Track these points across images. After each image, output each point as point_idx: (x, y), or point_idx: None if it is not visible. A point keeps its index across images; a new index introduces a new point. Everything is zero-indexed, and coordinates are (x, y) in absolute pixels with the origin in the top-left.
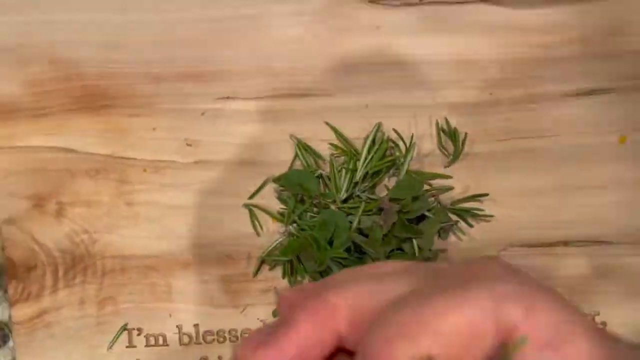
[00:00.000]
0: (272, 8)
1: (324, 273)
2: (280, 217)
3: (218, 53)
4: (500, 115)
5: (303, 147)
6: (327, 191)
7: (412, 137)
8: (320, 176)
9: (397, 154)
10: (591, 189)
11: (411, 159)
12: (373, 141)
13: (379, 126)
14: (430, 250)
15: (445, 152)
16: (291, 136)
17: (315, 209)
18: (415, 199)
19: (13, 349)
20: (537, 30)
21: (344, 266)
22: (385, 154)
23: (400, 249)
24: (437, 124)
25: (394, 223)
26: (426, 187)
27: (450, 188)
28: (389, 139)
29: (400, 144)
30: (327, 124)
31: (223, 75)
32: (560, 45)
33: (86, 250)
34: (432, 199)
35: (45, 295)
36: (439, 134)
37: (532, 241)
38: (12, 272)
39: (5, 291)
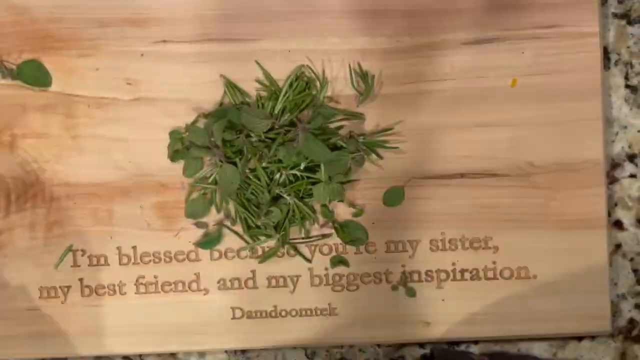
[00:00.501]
0: None
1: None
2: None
3: (156, 1)
4: (406, 60)
5: (231, 86)
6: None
7: (323, 73)
8: (245, 111)
9: (314, 92)
10: (485, 127)
11: (324, 95)
12: (294, 79)
13: (300, 68)
14: (344, 176)
15: (358, 92)
16: (221, 76)
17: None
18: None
19: None
20: None
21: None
22: (304, 91)
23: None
24: (350, 67)
25: (308, 147)
26: (342, 123)
27: (361, 116)
28: (308, 79)
29: (317, 83)
30: (256, 62)
31: (160, 21)
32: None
33: (36, 178)
34: (347, 134)
35: None
36: (351, 76)
37: (433, 173)
38: None
39: None
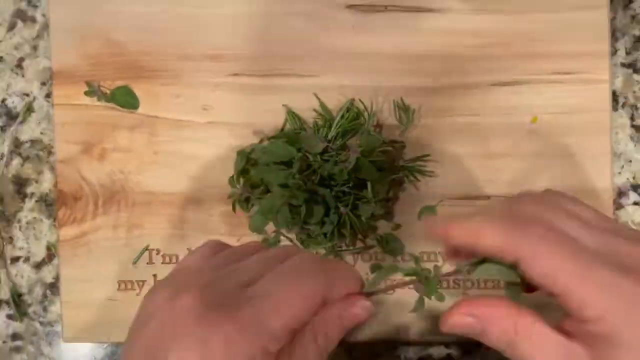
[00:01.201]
0: (275, 9)
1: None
2: None
3: (231, 40)
4: (442, 97)
5: (292, 114)
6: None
7: (371, 106)
8: (303, 137)
9: (363, 121)
10: (508, 156)
11: (373, 123)
12: (346, 110)
13: (351, 101)
14: (387, 194)
15: (400, 123)
16: (284, 105)
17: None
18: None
19: (57, 266)
20: (471, 34)
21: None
22: (354, 120)
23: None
24: (394, 101)
25: (357, 167)
26: (386, 148)
27: (402, 143)
28: (357, 110)
29: (366, 114)
30: (314, 94)
31: (234, 57)
32: (487, 46)
33: (121, 187)
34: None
35: (87, 220)
36: (395, 109)
37: (463, 194)
38: (63, 201)
39: (54, 219)
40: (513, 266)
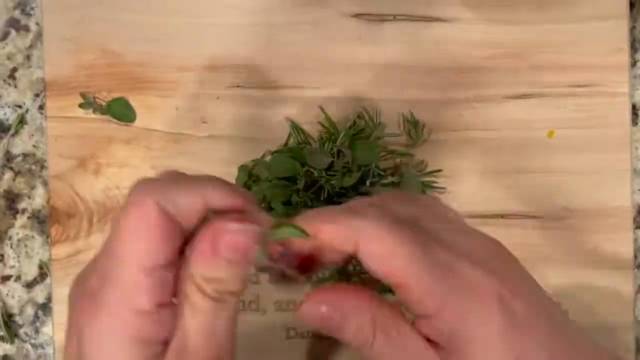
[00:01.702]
0: (278, 19)
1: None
2: None
3: (233, 51)
4: (454, 111)
5: (296, 128)
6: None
7: (378, 118)
8: (308, 151)
9: (370, 134)
10: (524, 173)
11: (377, 136)
12: (352, 123)
13: (358, 114)
14: None
15: (409, 138)
16: (286, 118)
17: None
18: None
19: (49, 286)
20: (484, 45)
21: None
22: (360, 133)
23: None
24: (403, 115)
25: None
26: (397, 162)
27: (411, 155)
28: (365, 123)
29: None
30: (320, 107)
31: (235, 69)
32: (501, 58)
33: (117, 203)
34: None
35: (81, 238)
36: (404, 123)
37: (475, 213)
38: (56, 218)
39: (47, 236)
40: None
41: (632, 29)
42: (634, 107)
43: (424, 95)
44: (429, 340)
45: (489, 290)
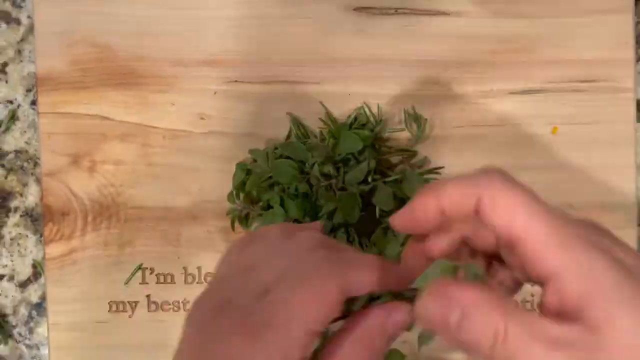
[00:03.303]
0: (276, 12)
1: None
2: None
3: (230, 45)
4: (456, 106)
5: (297, 123)
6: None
7: (380, 114)
8: (309, 146)
9: (371, 130)
10: (528, 169)
11: (378, 131)
12: (355, 118)
13: (361, 108)
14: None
15: (411, 134)
16: (287, 113)
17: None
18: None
19: (43, 286)
20: (488, 39)
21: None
22: (361, 128)
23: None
24: (404, 110)
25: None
26: (399, 158)
27: (414, 151)
28: (367, 119)
29: (375, 124)
30: (321, 103)
31: (233, 63)
32: (504, 52)
33: (112, 201)
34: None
35: (76, 237)
36: (405, 118)
37: None
38: (49, 216)
39: (41, 235)
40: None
41: (638, 23)
42: (638, 102)
43: (426, 91)
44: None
45: (601, 246)
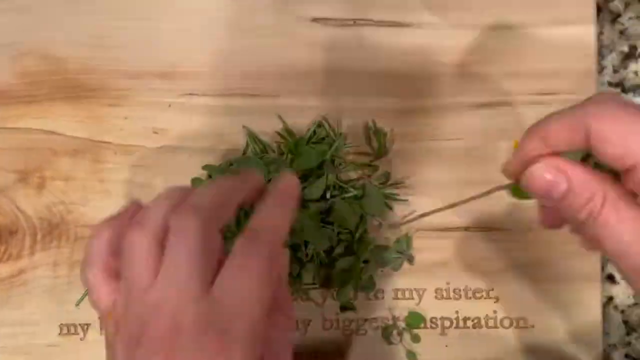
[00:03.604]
0: (233, 23)
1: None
2: None
3: (186, 57)
4: (417, 120)
5: (253, 138)
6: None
7: (338, 124)
8: (267, 161)
9: (330, 145)
10: (488, 184)
11: (339, 146)
12: (313, 132)
13: (319, 122)
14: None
15: (371, 149)
16: (244, 127)
17: None
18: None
19: None
20: (449, 51)
21: None
22: (320, 142)
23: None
24: (367, 124)
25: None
26: (359, 173)
27: (374, 166)
28: (326, 133)
29: (334, 137)
30: (279, 116)
31: (188, 76)
32: (464, 65)
33: (62, 219)
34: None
35: (24, 257)
36: (367, 132)
37: (440, 226)
38: None
39: None
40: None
41: (599, 34)
42: None
43: (387, 104)
44: None
45: None
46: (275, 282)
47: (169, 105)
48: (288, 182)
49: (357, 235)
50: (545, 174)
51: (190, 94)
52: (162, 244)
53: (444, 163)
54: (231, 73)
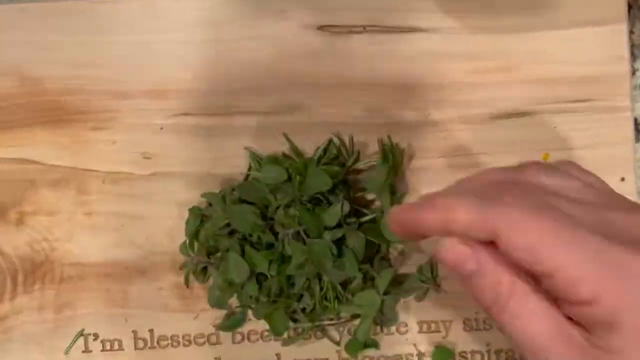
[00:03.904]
0: (230, 34)
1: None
2: None
3: (177, 73)
4: (435, 134)
5: (256, 159)
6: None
7: (352, 145)
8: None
9: (343, 164)
10: None
11: (352, 162)
12: (324, 151)
13: (330, 140)
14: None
15: (387, 166)
16: (246, 148)
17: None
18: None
19: None
20: (468, 57)
21: None
22: (333, 161)
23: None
24: (380, 140)
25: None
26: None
27: (389, 184)
28: (337, 151)
29: (346, 156)
30: (284, 135)
31: (181, 93)
32: (486, 72)
33: (46, 257)
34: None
35: (5, 301)
36: (382, 148)
37: None
38: None
39: None
40: None
41: (631, 33)
42: (635, 121)
43: (402, 117)
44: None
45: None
46: None
47: (161, 128)
48: None
49: (376, 263)
50: (458, 247)
51: (184, 114)
52: None
53: None
54: (229, 89)
